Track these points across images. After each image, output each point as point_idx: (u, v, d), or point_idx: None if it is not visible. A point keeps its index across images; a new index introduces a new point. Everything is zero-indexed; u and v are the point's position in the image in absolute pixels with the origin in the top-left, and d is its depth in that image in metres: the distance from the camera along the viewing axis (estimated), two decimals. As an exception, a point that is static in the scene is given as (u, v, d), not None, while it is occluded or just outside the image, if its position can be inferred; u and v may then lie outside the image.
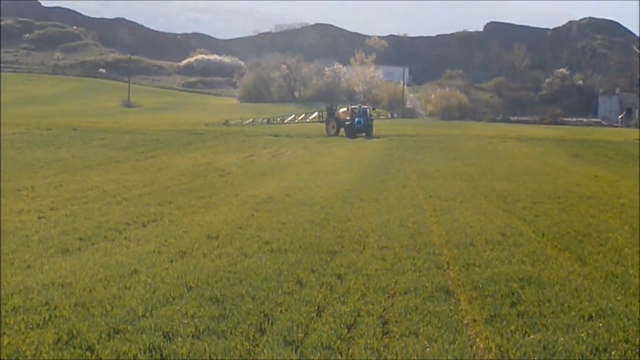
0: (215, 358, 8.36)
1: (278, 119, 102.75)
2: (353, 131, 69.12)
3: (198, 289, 11.21)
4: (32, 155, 38.30)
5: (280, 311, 10.10)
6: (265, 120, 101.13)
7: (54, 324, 9.35)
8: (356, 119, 70.02)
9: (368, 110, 74.08)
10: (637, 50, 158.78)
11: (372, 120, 73.59)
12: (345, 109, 74.90)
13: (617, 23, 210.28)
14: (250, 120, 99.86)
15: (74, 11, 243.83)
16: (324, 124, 75.89)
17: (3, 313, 9.76)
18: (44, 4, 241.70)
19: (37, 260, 13.05)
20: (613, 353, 8.71)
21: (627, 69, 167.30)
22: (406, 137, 69.82)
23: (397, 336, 9.15)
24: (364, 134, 69.09)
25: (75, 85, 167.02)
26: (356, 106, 75.55)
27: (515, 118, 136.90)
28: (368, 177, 31.24)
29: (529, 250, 14.67)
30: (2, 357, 8.23)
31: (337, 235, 16.15)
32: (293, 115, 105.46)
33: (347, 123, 70.22)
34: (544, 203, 23.03)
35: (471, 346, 8.85)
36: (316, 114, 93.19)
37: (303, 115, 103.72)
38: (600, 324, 9.68)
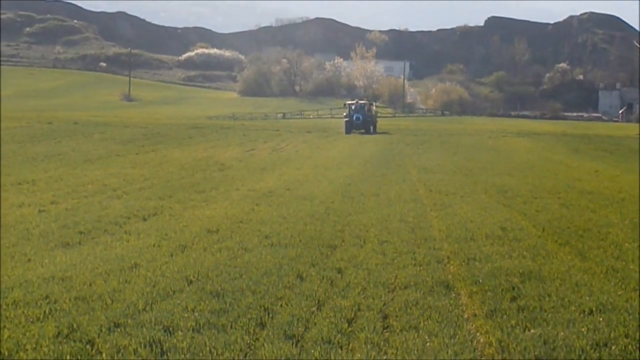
0: (215, 352, 8.35)
1: (293, 114, 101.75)
2: (350, 128, 66.18)
3: (198, 282, 11.21)
4: (33, 149, 38.28)
5: (281, 305, 10.09)
6: (280, 115, 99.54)
7: (54, 318, 9.34)
8: (354, 116, 67.36)
9: (365, 106, 70.47)
10: (638, 45, 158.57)
11: (376, 116, 71.45)
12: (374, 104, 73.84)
13: (618, 18, 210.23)
14: (262, 115, 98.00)
15: (74, 5, 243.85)
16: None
17: (3, 306, 9.76)
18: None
19: (37, 254, 13.05)
20: (613, 348, 8.68)
21: (628, 63, 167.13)
22: (406, 131, 69.72)
23: (398, 330, 9.14)
24: (362, 131, 66.23)
25: (76, 79, 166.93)
26: (353, 102, 72.56)
27: (516, 113, 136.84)
28: (368, 172, 31.22)
29: (530, 245, 14.66)
30: (2, 351, 8.22)
31: (337, 230, 16.15)
32: (316, 111, 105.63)
33: (345, 120, 67.95)
34: (545, 198, 23.02)
35: (471, 341, 8.84)
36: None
37: (329, 110, 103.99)
38: (601, 319, 9.67)
